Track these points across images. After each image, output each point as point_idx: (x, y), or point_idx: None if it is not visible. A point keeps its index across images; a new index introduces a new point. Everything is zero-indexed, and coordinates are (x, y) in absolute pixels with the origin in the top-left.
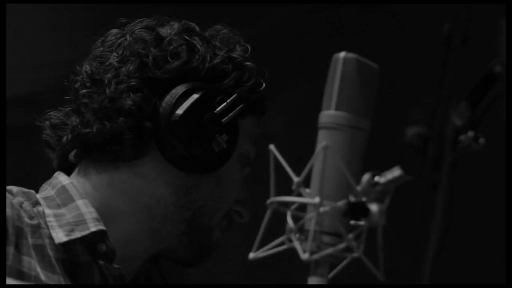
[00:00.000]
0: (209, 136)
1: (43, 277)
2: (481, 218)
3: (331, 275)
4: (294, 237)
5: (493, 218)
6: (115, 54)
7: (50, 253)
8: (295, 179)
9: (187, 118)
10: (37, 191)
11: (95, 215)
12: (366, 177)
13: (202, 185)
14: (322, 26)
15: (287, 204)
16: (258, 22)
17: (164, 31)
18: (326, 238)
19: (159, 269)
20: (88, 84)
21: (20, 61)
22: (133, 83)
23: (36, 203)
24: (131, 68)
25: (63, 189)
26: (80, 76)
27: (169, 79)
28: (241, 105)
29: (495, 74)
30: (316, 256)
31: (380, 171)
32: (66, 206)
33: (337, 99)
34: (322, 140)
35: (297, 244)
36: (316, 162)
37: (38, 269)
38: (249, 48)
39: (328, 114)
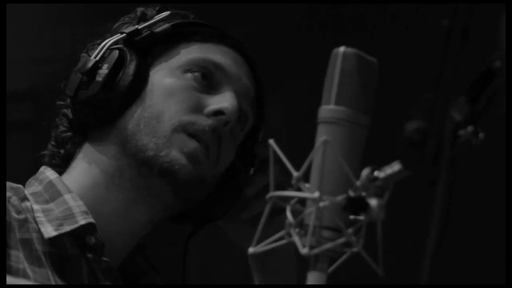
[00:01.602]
0: (89, 78)
1: (29, 272)
2: (481, 214)
3: (330, 269)
4: (293, 231)
5: (493, 214)
6: None
7: (38, 247)
8: (295, 173)
9: (70, 84)
10: None
11: (83, 208)
12: (365, 172)
13: (127, 117)
14: (322, 21)
15: (286, 199)
16: (258, 17)
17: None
18: (326, 233)
19: (144, 255)
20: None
21: (19, 55)
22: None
23: (24, 199)
24: None
25: (50, 184)
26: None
27: None
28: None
29: (494, 69)
30: (315, 250)
31: (379, 166)
32: (54, 201)
33: (337, 94)
34: (322, 134)
35: (296, 239)
36: (316, 156)
37: (26, 263)
38: None
39: (327, 109)
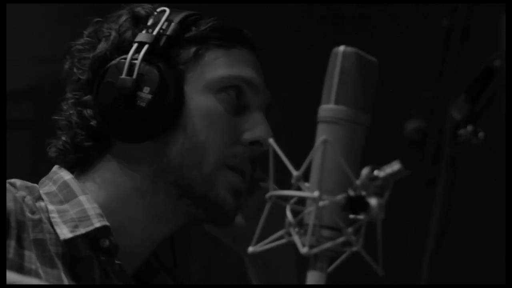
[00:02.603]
0: (127, 99)
1: (41, 272)
2: (481, 213)
3: (330, 269)
4: (293, 231)
5: (493, 214)
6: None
7: (51, 247)
8: (295, 173)
9: (102, 98)
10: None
11: (98, 210)
12: (365, 171)
13: (169, 143)
14: (322, 20)
15: (286, 198)
16: (257, 17)
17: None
18: (325, 232)
19: (156, 254)
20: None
21: (19, 55)
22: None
23: (38, 198)
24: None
25: (65, 184)
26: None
27: (88, 79)
28: (137, 53)
29: (494, 68)
30: (315, 250)
31: (379, 165)
32: (69, 202)
33: (336, 93)
34: (321, 134)
35: (296, 238)
36: (315, 156)
37: (38, 264)
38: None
39: (327, 108)
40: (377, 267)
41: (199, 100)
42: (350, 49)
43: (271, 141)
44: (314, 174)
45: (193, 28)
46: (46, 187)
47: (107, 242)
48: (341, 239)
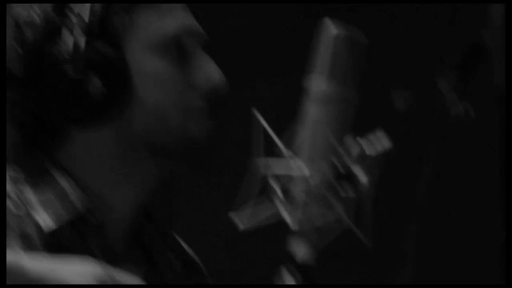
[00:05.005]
0: (82, 96)
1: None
2: (469, 191)
3: (322, 246)
4: (283, 208)
5: (483, 193)
6: None
7: (38, 240)
8: (285, 152)
9: (52, 96)
10: None
11: (79, 192)
12: (347, 138)
13: (132, 122)
14: (319, 18)
15: (277, 177)
16: (257, 16)
17: None
18: (317, 209)
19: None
20: None
21: None
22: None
23: (23, 190)
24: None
25: (45, 170)
26: None
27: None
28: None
29: (483, 45)
30: (306, 227)
31: (362, 134)
32: (51, 187)
33: (326, 71)
34: (310, 111)
35: (287, 215)
36: (305, 133)
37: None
38: None
39: (316, 85)
40: (366, 240)
41: (147, 67)
42: (339, 28)
43: (255, 111)
44: (304, 152)
45: None
46: (33, 174)
47: (93, 222)
48: (331, 216)
